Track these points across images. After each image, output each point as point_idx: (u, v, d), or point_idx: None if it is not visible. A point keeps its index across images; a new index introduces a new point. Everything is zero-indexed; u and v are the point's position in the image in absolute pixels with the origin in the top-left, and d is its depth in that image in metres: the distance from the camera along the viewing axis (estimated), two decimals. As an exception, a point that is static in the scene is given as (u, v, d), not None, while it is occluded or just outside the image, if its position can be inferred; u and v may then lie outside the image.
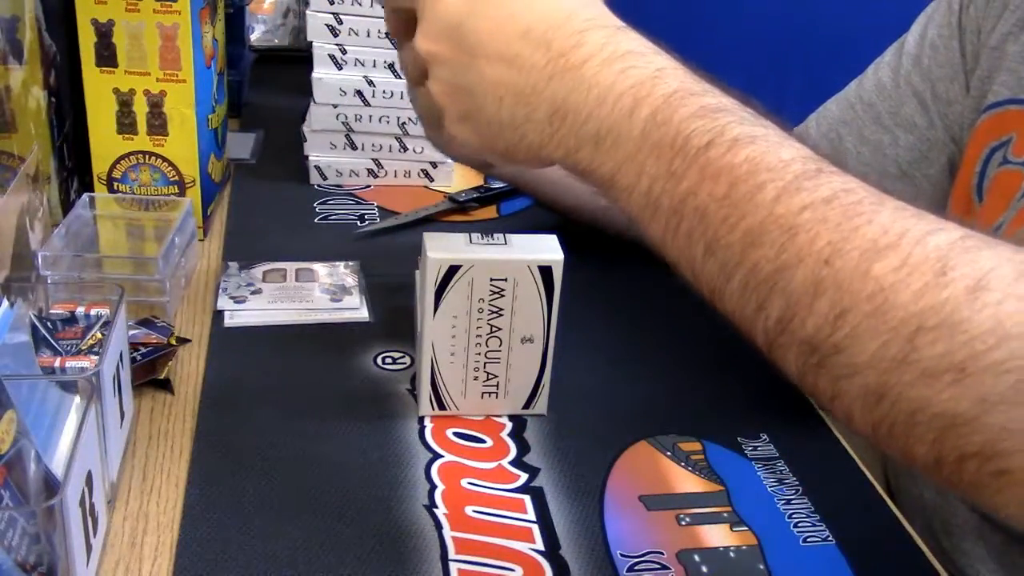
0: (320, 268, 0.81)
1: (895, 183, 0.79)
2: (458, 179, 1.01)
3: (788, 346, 0.40)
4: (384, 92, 0.95)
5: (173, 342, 0.69)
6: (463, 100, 0.50)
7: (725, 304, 0.43)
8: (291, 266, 0.81)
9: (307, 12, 0.93)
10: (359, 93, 0.95)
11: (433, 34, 0.50)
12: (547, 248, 0.62)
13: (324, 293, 0.78)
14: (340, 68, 0.94)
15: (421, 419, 0.66)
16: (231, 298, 0.76)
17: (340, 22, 0.93)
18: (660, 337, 0.78)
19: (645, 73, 0.45)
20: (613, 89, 0.45)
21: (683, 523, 0.59)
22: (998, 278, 0.36)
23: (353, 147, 0.98)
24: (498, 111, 0.48)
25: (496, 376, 0.65)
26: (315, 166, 0.99)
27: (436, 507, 0.58)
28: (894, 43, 0.81)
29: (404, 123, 0.97)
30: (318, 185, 0.99)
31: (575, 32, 0.47)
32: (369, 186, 1.00)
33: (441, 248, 0.60)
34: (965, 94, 0.75)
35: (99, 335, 0.62)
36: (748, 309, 0.42)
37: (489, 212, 0.96)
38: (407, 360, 0.71)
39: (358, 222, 0.92)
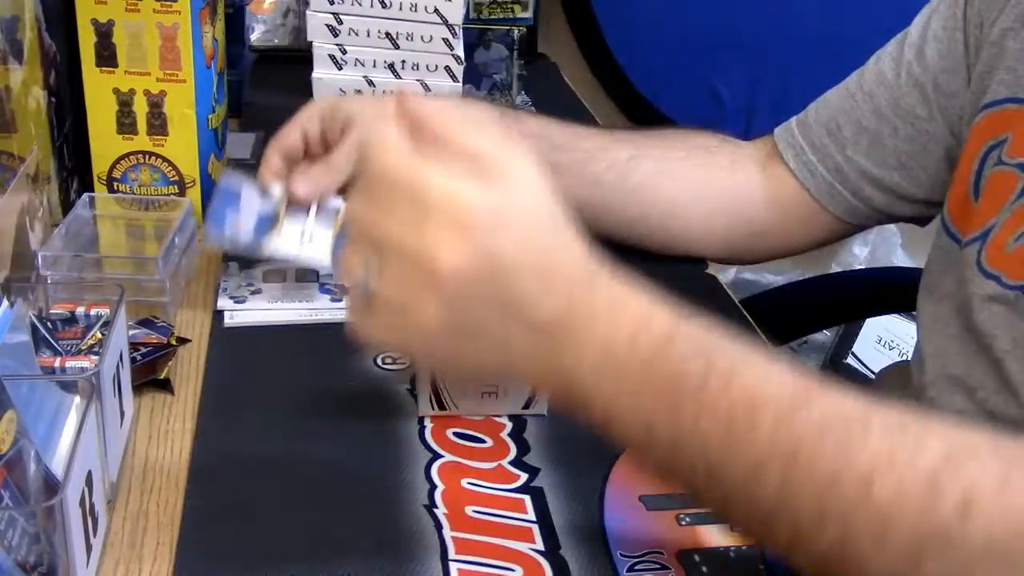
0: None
1: (892, 174, 0.79)
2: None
3: (800, 560, 0.44)
4: (384, 92, 0.95)
5: (173, 342, 0.69)
6: (455, 315, 0.46)
7: (733, 523, 0.47)
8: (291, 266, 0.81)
9: (307, 12, 0.93)
10: (359, 93, 0.95)
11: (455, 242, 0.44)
12: None
13: (324, 293, 0.78)
14: (340, 68, 0.94)
15: (421, 419, 0.66)
16: (231, 298, 0.76)
17: (340, 22, 0.93)
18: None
19: (639, 313, 0.46)
20: (613, 335, 0.46)
21: (683, 523, 0.59)
22: (984, 493, 0.39)
23: (353, 147, 0.98)
24: (503, 356, 0.47)
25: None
26: (315, 166, 0.99)
27: (436, 507, 0.58)
28: (898, 34, 0.81)
29: (404, 123, 0.97)
30: (318, 185, 0.99)
31: (591, 291, 0.47)
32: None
33: None
34: (966, 87, 0.74)
35: (99, 335, 0.62)
36: (756, 532, 0.45)
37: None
38: (407, 360, 0.71)
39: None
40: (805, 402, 0.43)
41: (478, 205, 0.45)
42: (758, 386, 0.44)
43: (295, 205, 0.75)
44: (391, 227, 0.46)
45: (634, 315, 0.46)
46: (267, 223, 0.74)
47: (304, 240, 0.74)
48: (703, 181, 0.84)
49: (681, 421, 0.44)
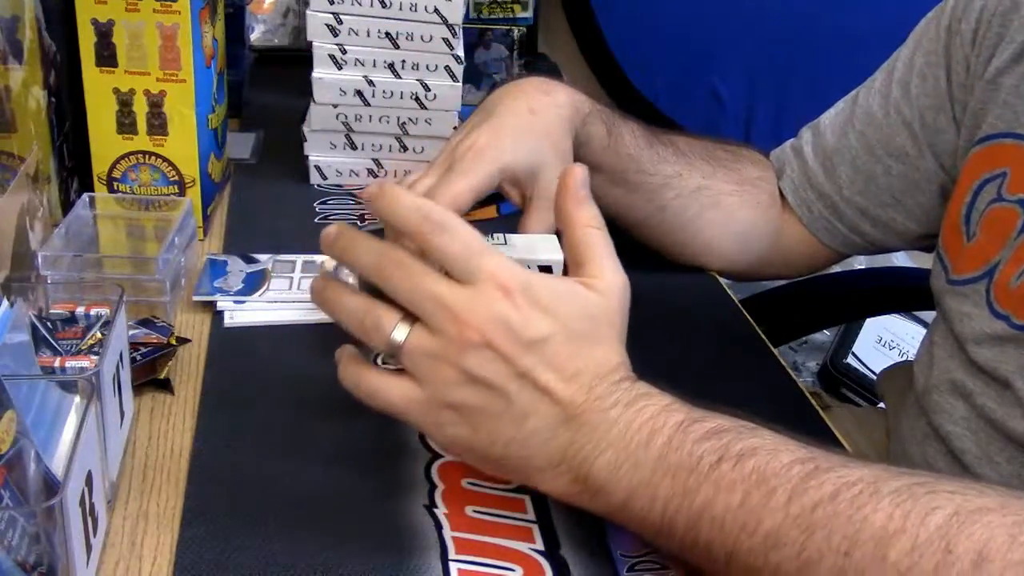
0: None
1: (888, 211, 0.79)
2: (458, 179, 1.01)
3: None
4: (384, 92, 0.95)
5: (173, 342, 0.69)
6: (484, 400, 0.51)
7: None
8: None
9: (307, 12, 0.93)
10: (359, 93, 0.95)
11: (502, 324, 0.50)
12: (547, 248, 0.62)
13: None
14: (340, 68, 0.94)
15: (421, 419, 0.66)
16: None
17: (340, 22, 0.93)
18: (660, 337, 0.78)
19: (657, 408, 0.51)
20: (631, 425, 0.50)
21: (683, 523, 0.58)
22: (995, 548, 0.42)
23: (353, 147, 0.98)
24: (517, 427, 0.51)
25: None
26: (315, 166, 0.99)
27: (436, 507, 0.58)
28: (887, 62, 0.81)
29: (404, 123, 0.97)
30: (318, 185, 0.99)
31: (613, 383, 0.52)
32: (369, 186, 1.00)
33: None
34: (952, 124, 0.75)
35: (99, 335, 0.62)
36: None
37: (489, 212, 0.96)
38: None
39: (358, 222, 0.92)
40: (815, 474, 0.46)
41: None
42: (770, 464, 0.47)
43: (280, 266, 0.80)
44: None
45: (650, 415, 0.50)
46: (255, 279, 0.78)
47: (293, 288, 0.77)
48: (743, 223, 0.85)
49: (697, 501, 0.48)
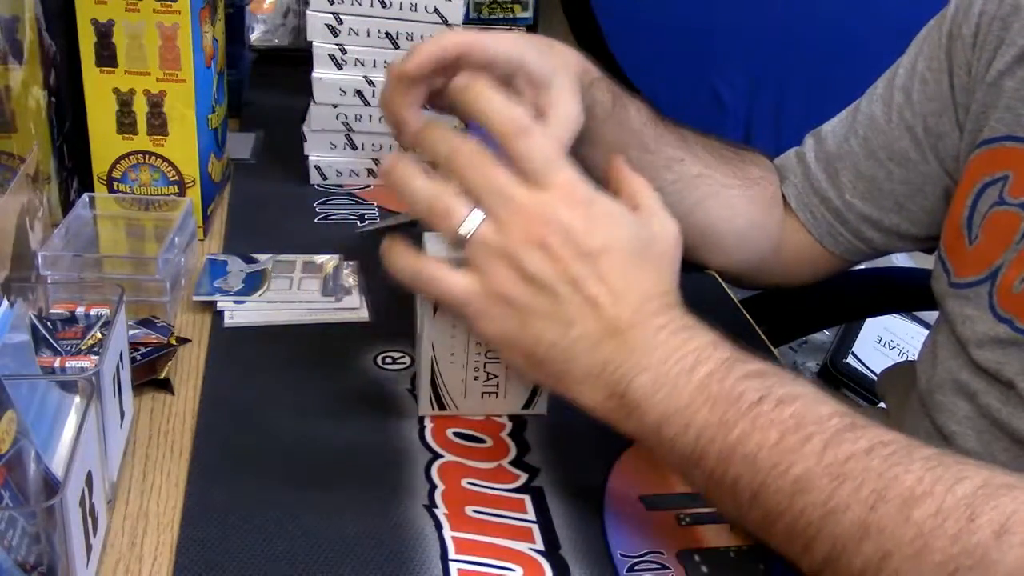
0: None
1: (891, 215, 0.79)
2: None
3: None
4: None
5: (173, 342, 0.69)
6: (535, 299, 0.53)
7: (769, 540, 0.49)
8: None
9: (307, 12, 0.93)
10: (359, 93, 0.95)
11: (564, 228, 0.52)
12: None
13: (324, 294, 0.78)
14: (340, 68, 0.94)
15: (421, 419, 0.66)
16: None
17: (340, 22, 0.93)
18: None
19: (704, 341, 0.52)
20: (675, 352, 0.51)
21: (683, 523, 0.59)
22: (1018, 521, 0.42)
23: (353, 147, 0.98)
24: (562, 333, 0.52)
25: (496, 376, 0.65)
26: (315, 166, 0.99)
27: (436, 507, 0.58)
28: (889, 69, 0.81)
29: (404, 123, 0.97)
30: (318, 185, 0.99)
31: (660, 307, 0.53)
32: (369, 186, 1.00)
33: (441, 247, 0.60)
34: (955, 127, 0.75)
35: (99, 335, 0.62)
36: (794, 548, 0.48)
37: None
38: (407, 360, 0.71)
39: (358, 222, 0.92)
40: (852, 428, 0.47)
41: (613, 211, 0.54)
42: (809, 411, 0.48)
43: (280, 266, 0.80)
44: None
45: (696, 345, 0.51)
46: (255, 279, 0.78)
47: (293, 288, 0.77)
48: (746, 218, 0.84)
49: (732, 435, 0.48)
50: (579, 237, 0.52)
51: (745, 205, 0.84)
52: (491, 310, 0.53)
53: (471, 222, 0.53)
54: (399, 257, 0.56)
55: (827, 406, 0.48)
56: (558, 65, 0.68)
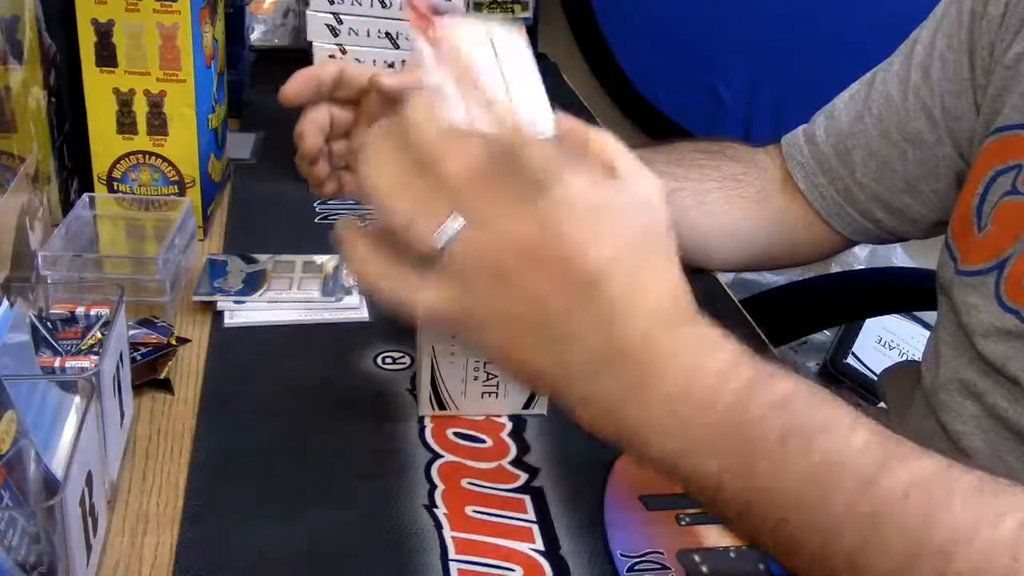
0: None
1: (902, 197, 0.79)
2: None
3: None
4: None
5: (173, 342, 0.69)
6: (526, 316, 0.45)
7: (787, 566, 0.45)
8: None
9: (307, 12, 0.93)
10: (359, 93, 0.95)
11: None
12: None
13: (324, 294, 0.77)
14: (340, 68, 0.94)
15: (421, 419, 0.66)
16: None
17: (340, 22, 0.93)
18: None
19: (721, 364, 0.45)
20: (693, 384, 0.44)
21: (683, 523, 0.59)
22: None
23: (353, 147, 0.98)
24: (562, 351, 0.45)
25: (496, 376, 0.65)
26: (315, 166, 0.99)
27: (436, 507, 0.58)
28: (904, 43, 0.80)
29: (404, 123, 0.97)
30: (318, 185, 0.99)
31: (674, 318, 0.46)
32: (369, 186, 1.00)
33: None
34: (973, 109, 0.74)
35: (99, 335, 0.62)
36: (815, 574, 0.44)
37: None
38: (407, 360, 0.71)
39: (358, 222, 0.92)
40: (887, 468, 0.42)
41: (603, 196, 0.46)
42: (839, 450, 0.43)
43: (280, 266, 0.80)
44: (500, 196, 0.45)
45: (715, 370, 0.45)
46: (255, 279, 0.78)
47: (293, 288, 0.77)
48: (733, 217, 0.83)
49: (756, 479, 0.43)
50: (578, 254, 0.45)
51: (727, 205, 0.83)
52: (476, 324, 0.47)
53: (453, 223, 0.46)
54: (361, 261, 0.50)
55: (860, 438, 0.43)
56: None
